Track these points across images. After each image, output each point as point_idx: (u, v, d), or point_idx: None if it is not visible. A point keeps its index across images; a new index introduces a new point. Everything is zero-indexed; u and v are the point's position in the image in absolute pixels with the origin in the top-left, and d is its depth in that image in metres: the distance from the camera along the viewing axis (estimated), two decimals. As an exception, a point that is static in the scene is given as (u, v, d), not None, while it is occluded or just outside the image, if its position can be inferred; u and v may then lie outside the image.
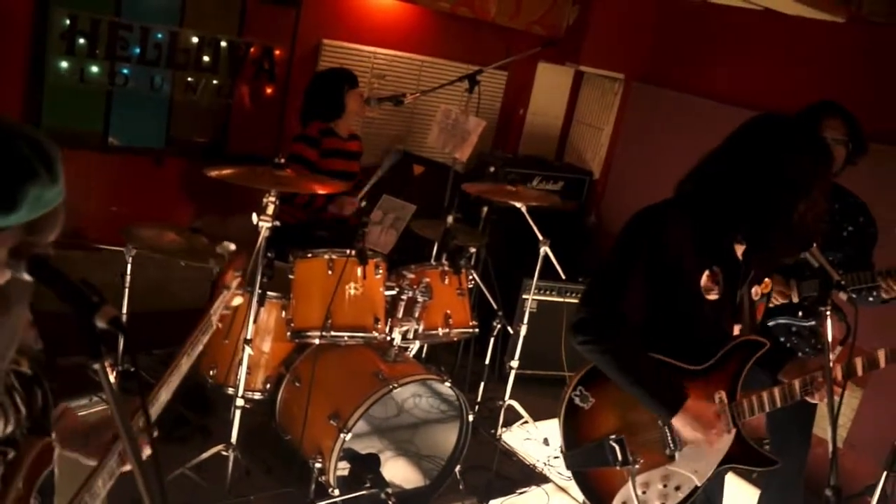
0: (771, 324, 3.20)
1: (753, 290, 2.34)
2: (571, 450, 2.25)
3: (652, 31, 5.77)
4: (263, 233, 3.13)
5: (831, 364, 2.19)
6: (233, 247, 2.46)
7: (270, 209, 3.13)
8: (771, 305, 3.18)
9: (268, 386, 3.57)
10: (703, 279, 2.16)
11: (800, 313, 3.17)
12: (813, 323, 3.11)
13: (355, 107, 4.32)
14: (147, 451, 1.46)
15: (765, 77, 4.97)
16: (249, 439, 3.58)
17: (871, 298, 3.01)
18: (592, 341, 2.11)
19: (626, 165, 5.91)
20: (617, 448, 2.18)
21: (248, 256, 3.05)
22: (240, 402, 3.30)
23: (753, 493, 3.79)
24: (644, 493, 2.23)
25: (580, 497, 2.32)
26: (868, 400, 4.24)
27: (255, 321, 3.25)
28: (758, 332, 2.37)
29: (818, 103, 3.09)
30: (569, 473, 2.30)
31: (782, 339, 3.22)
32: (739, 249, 2.25)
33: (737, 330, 2.34)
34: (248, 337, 3.24)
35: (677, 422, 2.15)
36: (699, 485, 2.28)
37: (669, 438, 2.24)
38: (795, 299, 3.07)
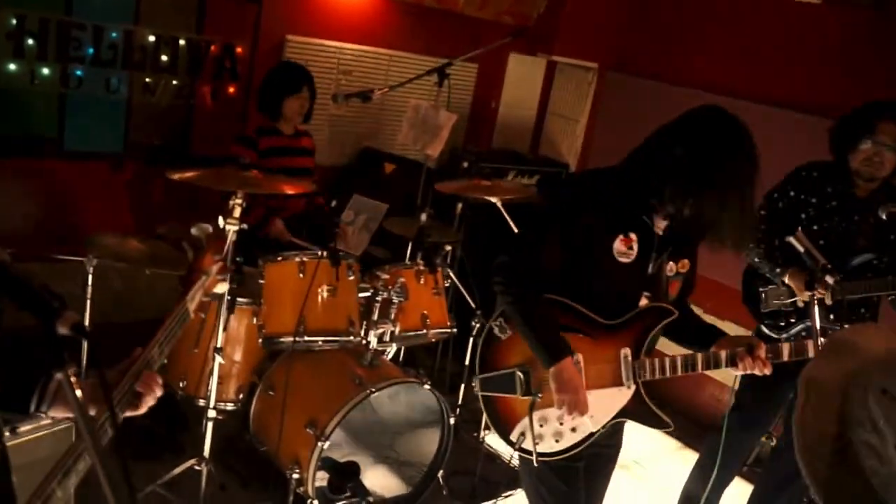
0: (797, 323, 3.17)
1: (669, 265, 2.43)
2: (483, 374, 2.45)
3: (625, 19, 5.68)
4: (231, 237, 3.00)
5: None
6: (210, 228, 2.30)
7: (237, 212, 3.00)
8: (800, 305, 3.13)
9: (240, 396, 3.48)
10: (617, 242, 2.30)
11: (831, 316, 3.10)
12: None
13: (291, 113, 4.14)
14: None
15: (741, 63, 4.91)
16: (223, 452, 3.50)
17: None
18: (504, 283, 2.36)
19: (602, 157, 5.81)
20: (523, 378, 2.36)
21: (225, 240, 2.94)
22: (212, 413, 3.19)
23: (746, 489, 3.74)
24: (541, 426, 2.39)
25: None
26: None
27: (224, 329, 3.13)
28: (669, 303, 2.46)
29: (874, 105, 3.01)
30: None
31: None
32: (661, 225, 2.36)
33: (644, 299, 2.43)
34: (219, 345, 3.11)
35: (552, 371, 2.26)
36: (594, 431, 2.39)
37: None
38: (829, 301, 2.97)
